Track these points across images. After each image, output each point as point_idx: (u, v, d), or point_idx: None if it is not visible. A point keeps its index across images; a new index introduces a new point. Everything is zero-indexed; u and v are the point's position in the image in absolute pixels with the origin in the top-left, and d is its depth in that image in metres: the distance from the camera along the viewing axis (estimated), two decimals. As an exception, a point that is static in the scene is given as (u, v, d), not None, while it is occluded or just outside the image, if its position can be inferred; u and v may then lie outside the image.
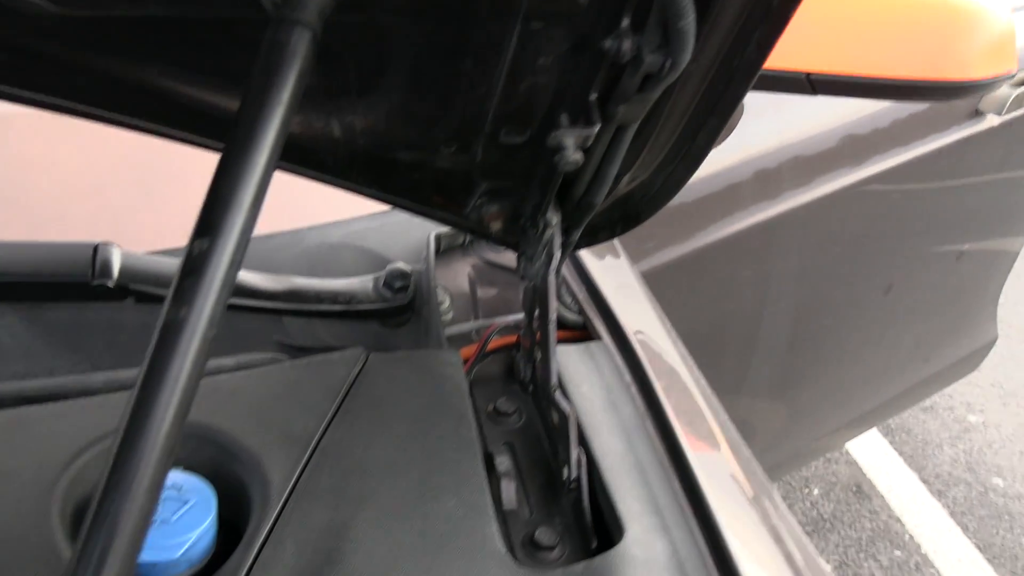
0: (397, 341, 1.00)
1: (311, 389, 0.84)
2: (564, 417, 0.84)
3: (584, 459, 0.82)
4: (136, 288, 0.87)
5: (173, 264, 0.88)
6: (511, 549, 0.75)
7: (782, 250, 1.95)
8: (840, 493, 2.86)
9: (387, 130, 0.76)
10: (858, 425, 2.58)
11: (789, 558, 0.80)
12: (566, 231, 0.87)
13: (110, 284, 0.86)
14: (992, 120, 2.07)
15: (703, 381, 1.00)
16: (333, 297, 0.97)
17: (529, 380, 0.96)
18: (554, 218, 0.84)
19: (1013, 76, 1.25)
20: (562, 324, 1.04)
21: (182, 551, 0.68)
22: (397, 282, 0.98)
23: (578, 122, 0.69)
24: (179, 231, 0.99)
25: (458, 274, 1.11)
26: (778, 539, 0.81)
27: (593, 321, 1.02)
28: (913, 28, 1.26)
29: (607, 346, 0.99)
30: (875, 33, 1.28)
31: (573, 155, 0.68)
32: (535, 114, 0.73)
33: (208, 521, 0.70)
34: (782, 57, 1.00)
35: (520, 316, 1.05)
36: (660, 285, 1.21)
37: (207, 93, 0.68)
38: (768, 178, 1.86)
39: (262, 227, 1.01)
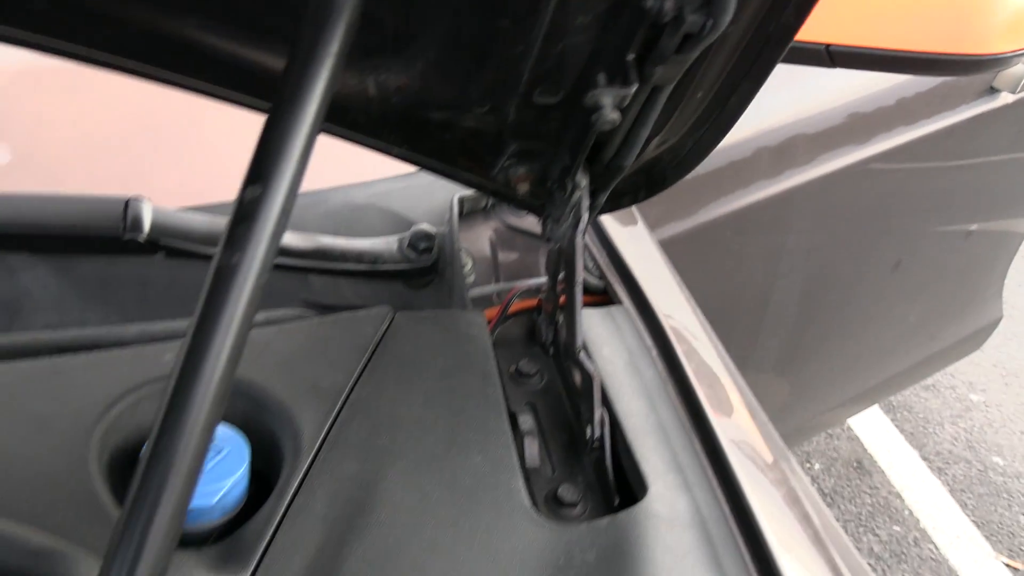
0: (420, 302, 1.01)
1: (339, 345, 0.85)
2: (588, 378, 0.85)
3: (607, 419, 0.84)
4: (166, 243, 0.87)
5: (203, 220, 0.89)
6: (535, 505, 0.77)
7: (793, 225, 1.96)
8: (841, 468, 2.88)
9: (422, 89, 0.76)
10: (861, 401, 2.60)
11: (806, 519, 0.82)
12: (593, 194, 0.88)
13: (140, 238, 0.87)
14: (1006, 98, 2.06)
15: (721, 347, 1.01)
16: (358, 256, 0.98)
17: (551, 342, 0.97)
18: (583, 180, 0.85)
19: (1032, 52, 1.25)
20: (584, 289, 1.05)
21: (217, 498, 0.69)
22: (421, 243, 0.99)
23: (615, 82, 0.70)
24: (206, 189, 1.00)
25: (479, 237, 1.12)
26: (796, 501, 0.83)
27: (614, 286, 1.03)
28: (933, 1, 1.26)
29: (628, 310, 1.00)
30: (895, 6, 1.28)
31: (610, 114, 0.69)
32: (570, 74, 0.74)
33: (242, 470, 0.71)
34: (802, 29, 1.01)
35: (541, 280, 1.07)
36: (670, 257, 1.22)
37: (250, 49, 0.68)
38: (780, 152, 1.86)
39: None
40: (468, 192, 1.10)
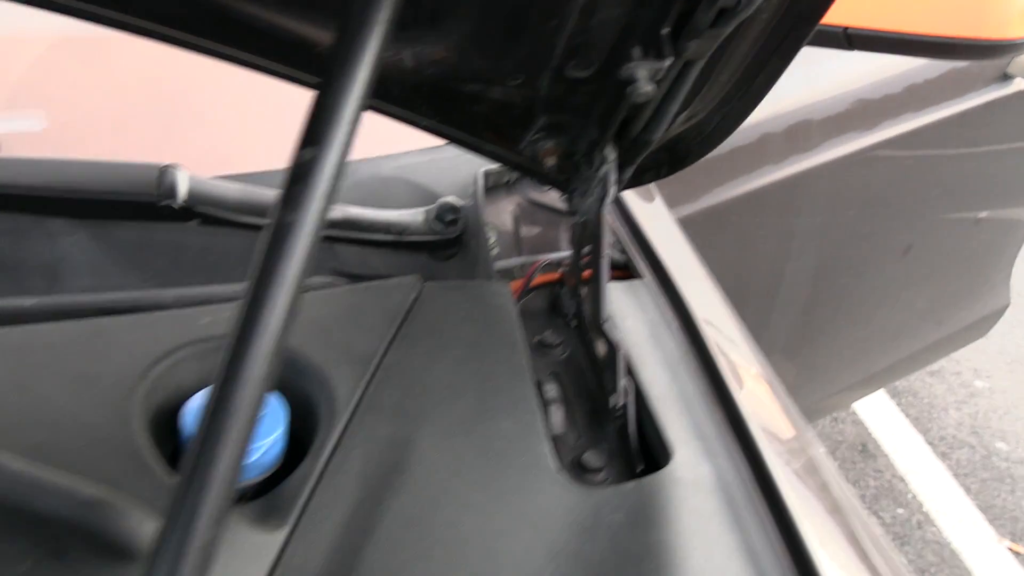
0: (445, 273, 1.02)
1: (371, 312, 0.87)
2: (613, 347, 0.87)
3: (632, 387, 0.85)
4: (201, 210, 0.89)
5: (236, 188, 0.91)
6: (561, 470, 0.79)
7: (804, 208, 1.97)
8: (846, 452, 2.91)
9: (457, 61, 0.78)
10: (867, 386, 2.61)
11: (824, 488, 0.84)
12: (619, 168, 0.89)
13: (175, 205, 0.88)
14: (1020, 84, 2.07)
15: (740, 322, 1.03)
16: (386, 227, 0.99)
17: (573, 315, 0.99)
18: (611, 154, 0.86)
19: (1051, 38, 1.26)
20: (606, 263, 1.06)
21: (256, 456, 0.71)
22: (448, 215, 1.01)
23: (649, 56, 0.71)
24: (236, 158, 1.02)
25: (502, 212, 1.14)
26: (814, 471, 0.85)
27: (636, 261, 1.05)
28: (951, -15, 1.27)
29: (650, 285, 1.02)
30: (914, -11, 1.29)
31: (646, 87, 0.70)
32: (603, 48, 0.75)
33: (280, 430, 0.73)
34: (824, 9, 1.02)
35: (563, 254, 1.08)
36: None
37: (297, 22, 0.70)
38: (793, 135, 1.87)
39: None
40: (493, 166, 1.11)
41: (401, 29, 0.75)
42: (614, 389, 0.86)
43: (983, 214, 2.35)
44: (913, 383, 3.23)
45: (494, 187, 1.15)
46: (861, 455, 2.90)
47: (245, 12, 0.69)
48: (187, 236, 0.91)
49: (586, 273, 0.97)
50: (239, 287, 0.86)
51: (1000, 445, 2.97)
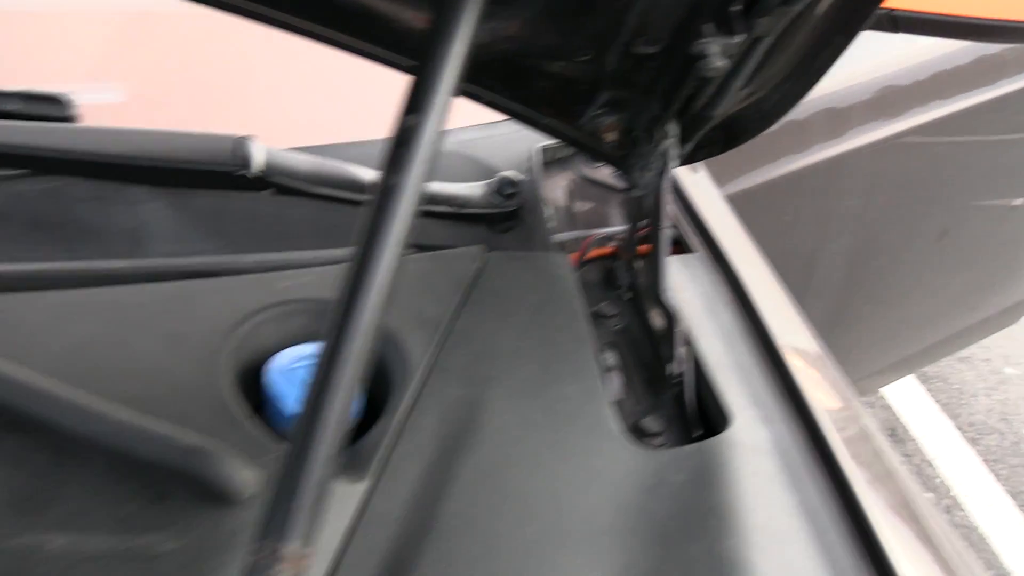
0: (503, 245, 1.05)
1: (438, 280, 0.90)
2: (671, 316, 0.90)
3: (689, 355, 0.88)
4: (274, 180, 0.93)
5: (308, 160, 0.95)
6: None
7: (843, 191, 1.98)
8: (875, 435, 2.92)
9: (530, 36, 0.80)
10: (898, 370, 2.62)
11: (877, 455, 0.87)
12: (679, 144, 0.92)
13: (250, 175, 0.92)
14: (1059, 70, 2.07)
15: (790, 294, 1.06)
16: (448, 200, 1.02)
17: (628, 287, 1.02)
18: (673, 129, 0.89)
19: (1105, 19, 1.27)
20: (659, 236, 1.09)
21: (337, 412, 0.75)
22: (508, 189, 1.04)
23: (720, 32, 0.73)
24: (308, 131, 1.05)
25: (555, 187, 1.16)
26: (867, 438, 0.88)
27: (688, 235, 1.07)
28: (999, -33, 1.27)
29: (703, 258, 1.04)
30: (962, -29, 1.29)
31: (717, 62, 0.72)
32: (672, 25, 0.78)
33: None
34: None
35: (615, 229, 1.11)
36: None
37: (393, 5, 0.73)
38: (835, 117, 1.88)
39: (379, 132, 1.07)
40: (548, 142, 1.14)
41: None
42: (671, 358, 0.89)
43: (1018, 201, 2.35)
44: (943, 369, 3.24)
45: (548, 163, 1.17)
46: (890, 439, 2.91)
47: None
48: (260, 205, 0.94)
49: (642, 248, 1.00)
50: (312, 253, 0.90)
51: (1030, 432, 2.98)
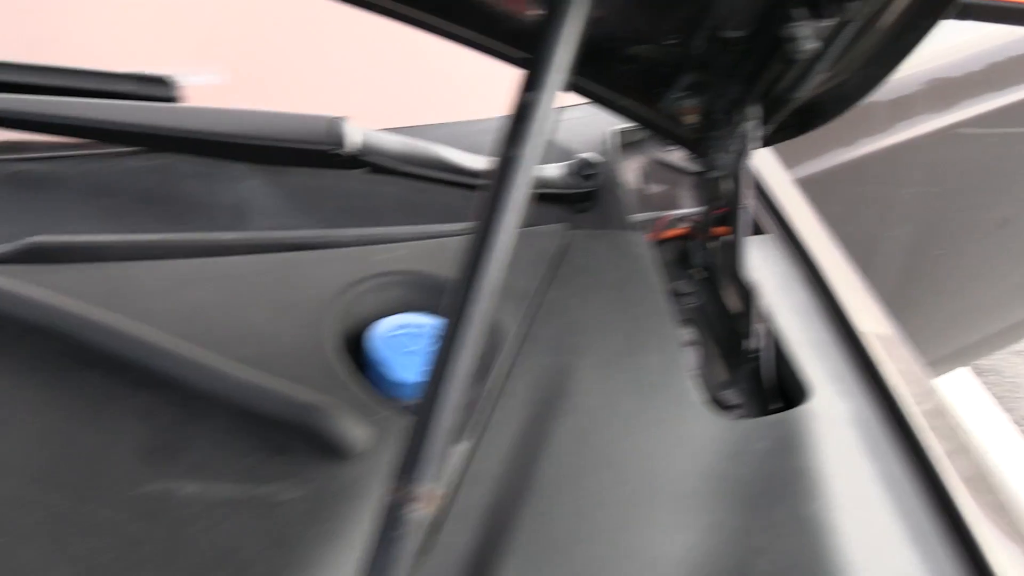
0: (581, 224, 1.09)
1: (525, 255, 0.93)
2: (748, 293, 0.92)
3: (767, 330, 0.91)
4: (368, 160, 0.97)
5: (399, 140, 0.99)
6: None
7: (904, 178, 1.98)
8: (928, 426, 2.90)
9: (619, 20, 0.83)
10: (954, 360, 2.61)
11: (952, 430, 0.89)
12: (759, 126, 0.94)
13: (344, 154, 0.96)
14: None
15: (862, 276, 1.08)
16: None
17: (703, 266, 1.05)
18: (755, 112, 0.91)
19: None
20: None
21: (435, 377, 0.79)
22: (587, 170, 1.07)
23: (811, 16, 0.76)
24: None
25: (629, 170, 1.19)
26: (944, 411, 0.90)
27: (761, 217, 1.10)
28: (1071, -46, 1.27)
29: (776, 240, 1.06)
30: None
31: (808, 44, 0.75)
32: (760, 8, 0.80)
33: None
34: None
35: (688, 211, 1.14)
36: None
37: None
38: (898, 105, 1.88)
39: (464, 115, 1.11)
40: (624, 125, 1.17)
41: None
42: (748, 334, 0.92)
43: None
44: (998, 362, 3.20)
45: (623, 145, 1.20)
46: (943, 430, 2.89)
47: None
48: (353, 183, 0.98)
49: (717, 228, 1.03)
50: (404, 229, 0.94)
51: (1087, 427, 2.94)
